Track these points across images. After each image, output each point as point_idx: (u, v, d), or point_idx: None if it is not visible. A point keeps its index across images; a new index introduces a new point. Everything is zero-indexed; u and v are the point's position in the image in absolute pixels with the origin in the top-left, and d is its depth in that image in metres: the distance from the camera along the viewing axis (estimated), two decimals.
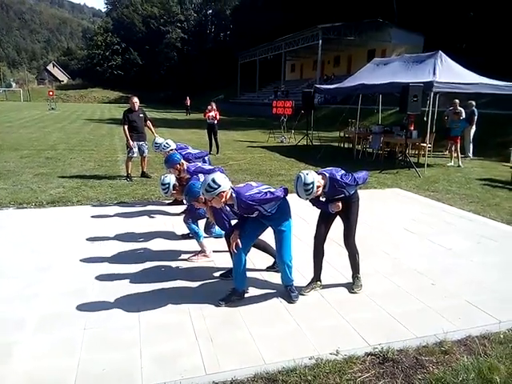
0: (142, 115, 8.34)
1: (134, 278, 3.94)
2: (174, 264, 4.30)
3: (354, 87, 12.18)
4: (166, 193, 4.41)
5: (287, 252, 3.50)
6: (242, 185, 3.42)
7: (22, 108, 40.77)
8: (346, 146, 14.23)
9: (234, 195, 3.23)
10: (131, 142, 8.11)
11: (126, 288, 3.72)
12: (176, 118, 31.34)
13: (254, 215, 3.38)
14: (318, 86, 17.05)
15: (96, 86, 72.10)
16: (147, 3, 74.72)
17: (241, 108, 39.68)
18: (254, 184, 3.43)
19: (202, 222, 4.59)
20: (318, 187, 3.26)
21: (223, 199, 3.20)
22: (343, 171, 3.49)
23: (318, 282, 3.82)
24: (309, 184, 3.18)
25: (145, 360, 2.72)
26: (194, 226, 4.43)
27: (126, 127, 8.16)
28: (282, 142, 16.40)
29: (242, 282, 3.55)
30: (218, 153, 12.41)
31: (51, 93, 43.29)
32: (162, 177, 4.39)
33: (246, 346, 2.91)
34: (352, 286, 3.77)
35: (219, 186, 3.15)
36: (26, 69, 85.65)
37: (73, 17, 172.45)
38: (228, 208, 3.47)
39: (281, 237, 3.46)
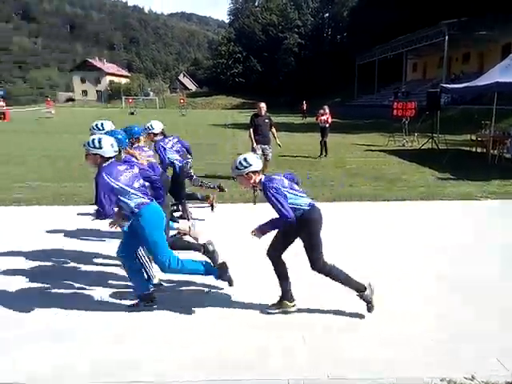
0: (267, 120, 8.68)
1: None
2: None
3: (487, 86, 11.15)
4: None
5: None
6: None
7: (158, 114, 45.71)
8: (478, 150, 13.03)
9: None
10: (255, 145, 8.57)
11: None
12: (293, 121, 31.96)
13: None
14: (444, 85, 15.95)
15: (220, 93, 76.89)
16: (267, 11, 77.44)
17: (357, 110, 38.77)
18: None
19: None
20: (250, 178, 3.01)
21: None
22: (293, 187, 3.12)
23: (289, 303, 3.31)
24: (242, 164, 2.99)
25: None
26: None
27: (251, 130, 8.61)
28: (403, 145, 15.73)
29: (142, 286, 3.52)
30: (326, 155, 12.54)
31: (182, 100, 47.96)
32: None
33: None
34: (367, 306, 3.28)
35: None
36: (160, 79, 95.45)
37: (200, 29, 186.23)
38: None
39: None
